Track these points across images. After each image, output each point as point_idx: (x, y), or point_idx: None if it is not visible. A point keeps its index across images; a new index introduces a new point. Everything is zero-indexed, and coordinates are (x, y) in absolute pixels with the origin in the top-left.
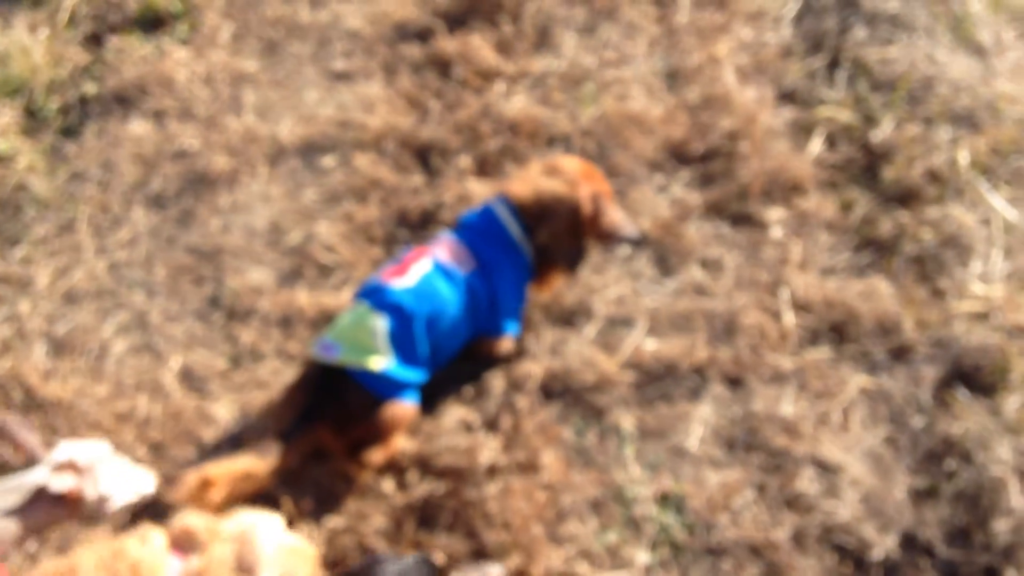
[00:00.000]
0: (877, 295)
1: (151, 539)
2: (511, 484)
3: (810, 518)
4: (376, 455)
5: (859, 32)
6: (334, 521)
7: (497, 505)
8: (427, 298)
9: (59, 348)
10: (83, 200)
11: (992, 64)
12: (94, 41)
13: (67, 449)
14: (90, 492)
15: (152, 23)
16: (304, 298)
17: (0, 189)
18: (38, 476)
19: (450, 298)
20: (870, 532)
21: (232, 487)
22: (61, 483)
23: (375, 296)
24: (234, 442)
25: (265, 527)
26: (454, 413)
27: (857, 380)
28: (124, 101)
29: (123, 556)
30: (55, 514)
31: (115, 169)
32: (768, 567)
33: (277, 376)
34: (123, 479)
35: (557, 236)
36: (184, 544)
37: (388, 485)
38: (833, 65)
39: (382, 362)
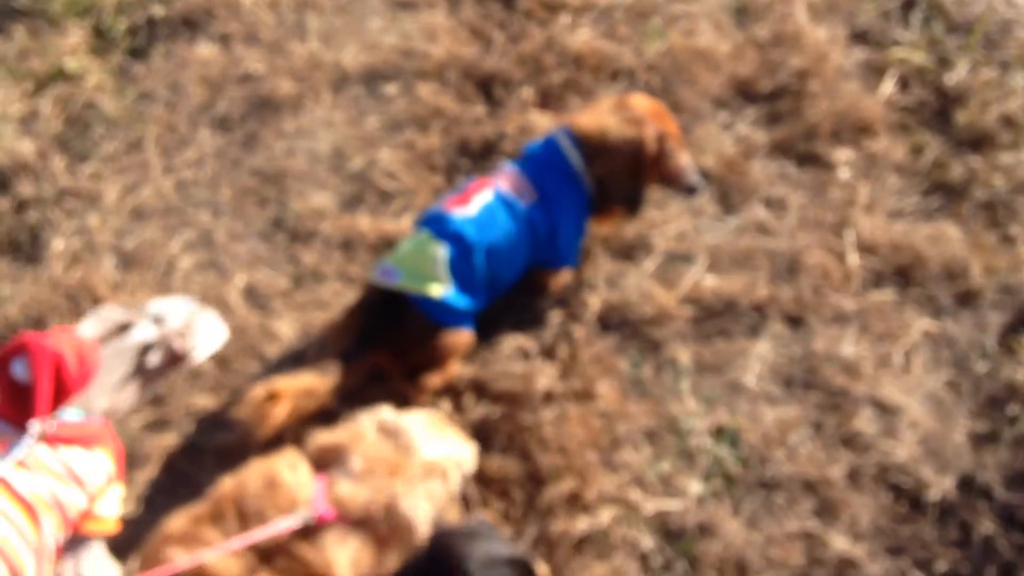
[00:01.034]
0: (945, 239)
1: (298, 464)
2: (567, 411)
3: (866, 457)
4: (433, 379)
5: None
6: None
7: (552, 430)
8: (487, 228)
9: (127, 262)
10: (151, 120)
11: None
12: None
13: (159, 305)
14: (188, 345)
15: None
16: (365, 223)
17: (70, 107)
18: (142, 335)
19: (510, 229)
20: (927, 473)
21: (295, 403)
22: (177, 341)
23: (437, 224)
24: (296, 359)
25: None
26: (511, 340)
27: (921, 324)
28: (191, 24)
29: (277, 482)
30: (164, 371)
31: (182, 90)
32: (821, 503)
33: (338, 297)
34: (208, 330)
35: (616, 174)
36: (321, 462)
37: (445, 407)
38: (908, 6)
39: (441, 289)
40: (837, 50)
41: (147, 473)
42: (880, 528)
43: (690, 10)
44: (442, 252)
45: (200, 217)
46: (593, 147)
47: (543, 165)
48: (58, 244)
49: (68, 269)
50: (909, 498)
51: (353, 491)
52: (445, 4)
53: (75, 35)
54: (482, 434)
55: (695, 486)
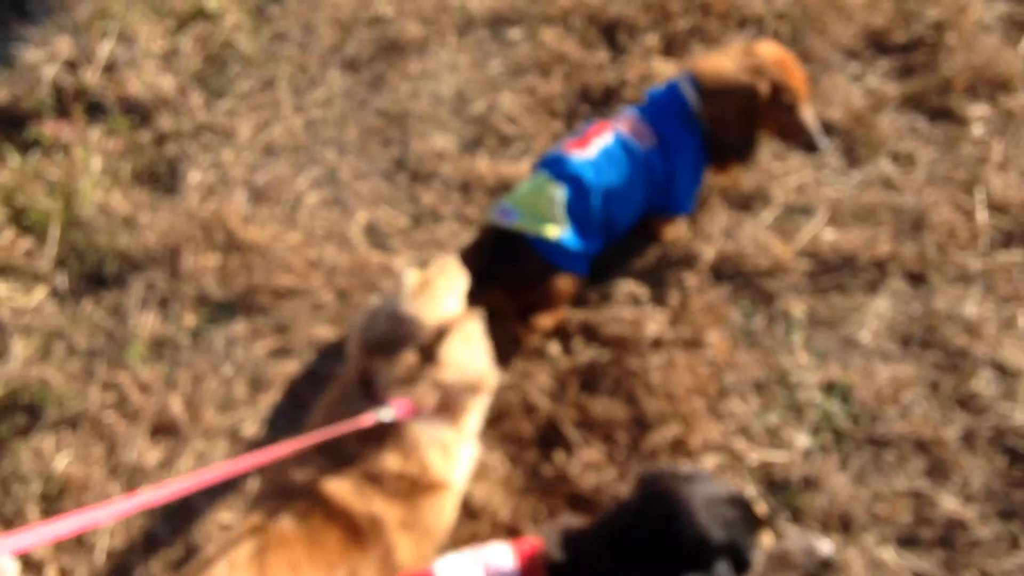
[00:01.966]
0: None
1: None
2: (675, 357)
3: (983, 419)
4: (545, 320)
5: None
6: (501, 378)
7: (660, 376)
8: (606, 171)
9: (258, 196)
10: (284, 59)
11: None
12: None
13: None
14: None
15: None
16: (484, 165)
17: (209, 45)
18: None
19: (628, 172)
20: None
21: None
22: None
23: (555, 166)
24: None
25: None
26: (623, 285)
27: None
28: None
29: None
30: None
31: (314, 31)
32: (933, 463)
33: (455, 238)
34: None
35: (728, 119)
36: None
37: (554, 348)
38: None
39: (558, 231)
40: (977, 2)
41: (270, 397)
42: (992, 491)
43: None
44: (560, 193)
45: (327, 155)
46: (708, 89)
47: (663, 109)
48: (194, 176)
49: (203, 201)
50: None
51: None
52: None
53: None
54: (589, 377)
55: (802, 439)
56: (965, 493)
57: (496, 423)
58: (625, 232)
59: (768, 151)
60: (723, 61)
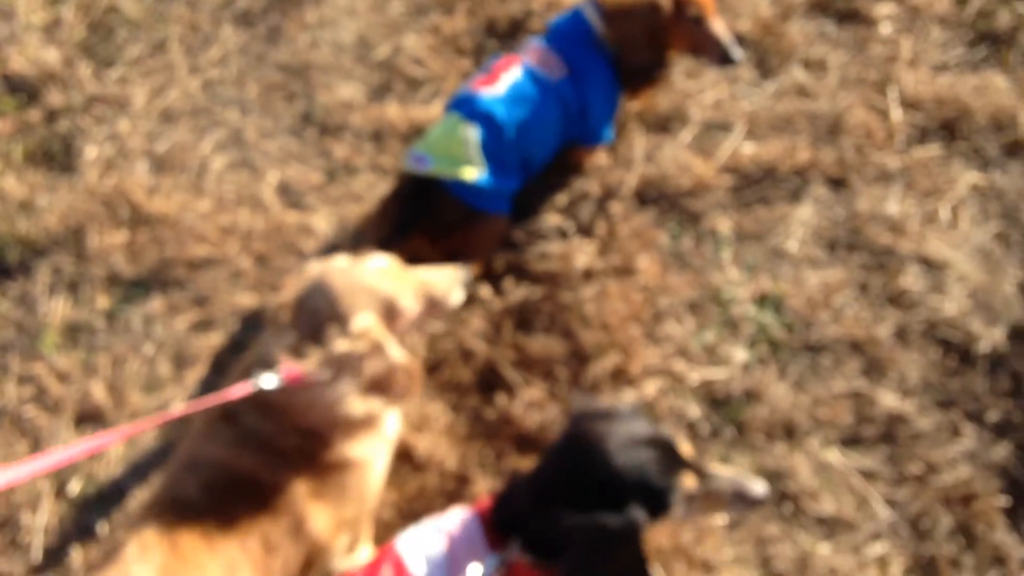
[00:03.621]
0: (992, 90)
1: None
2: (607, 287)
3: (914, 314)
4: (471, 265)
5: None
6: (434, 326)
7: (594, 307)
8: (517, 106)
9: (160, 165)
10: (173, 19)
11: None
12: None
13: None
14: None
15: None
16: (394, 112)
17: (92, 12)
18: None
19: (541, 105)
20: (977, 326)
21: None
22: None
23: (465, 106)
24: (333, 253)
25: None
26: (548, 220)
27: (968, 177)
28: None
29: None
30: None
31: None
32: (869, 362)
33: (371, 189)
34: None
35: (633, 39)
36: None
37: (485, 291)
38: None
39: (475, 173)
40: None
41: (197, 373)
42: (929, 383)
43: None
44: (473, 134)
45: (229, 116)
46: (610, 11)
47: (569, 37)
48: (91, 152)
49: (102, 176)
50: (959, 352)
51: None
52: None
53: None
54: (523, 316)
55: (740, 354)
56: (903, 388)
57: (434, 372)
58: (544, 166)
59: (681, 70)
60: None
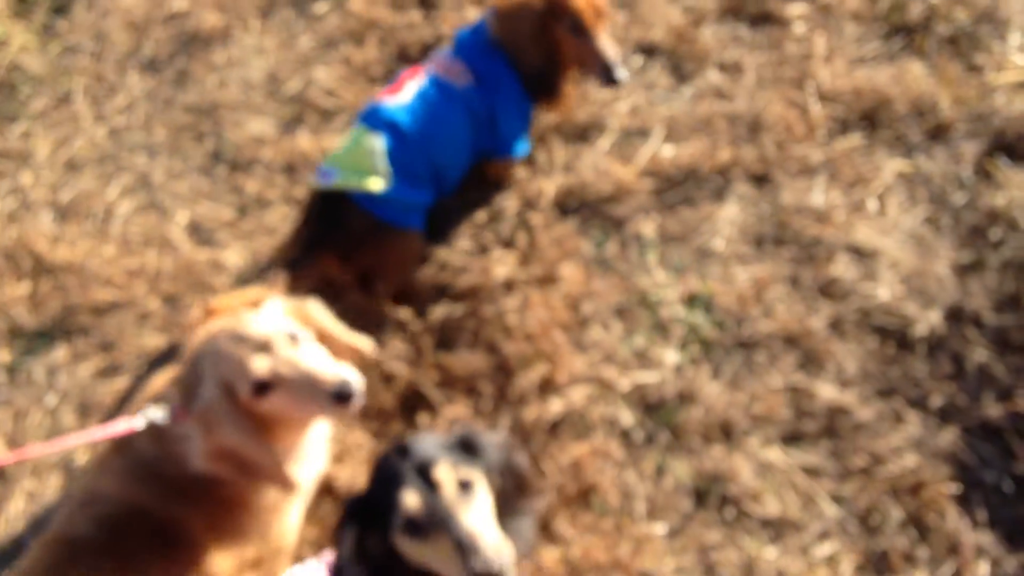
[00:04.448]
0: (910, 78)
1: None
2: (529, 297)
3: (847, 304)
4: (386, 285)
5: None
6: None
7: (516, 318)
8: (423, 113)
9: (65, 214)
10: (77, 72)
11: None
12: None
13: None
14: None
15: None
16: (306, 143)
17: None
18: None
19: (447, 113)
20: (912, 310)
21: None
22: None
23: (370, 117)
24: (247, 286)
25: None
26: (466, 236)
27: (893, 165)
28: None
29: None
30: None
31: (107, 39)
32: (804, 355)
33: (285, 221)
34: None
35: (519, 43)
36: None
37: (405, 312)
38: None
39: (381, 183)
40: None
41: (101, 420)
42: (868, 372)
43: None
44: (378, 143)
45: (136, 161)
46: (499, 14)
47: (472, 45)
48: None
49: (4, 229)
50: (896, 338)
51: None
52: None
53: None
54: (445, 334)
55: (671, 356)
56: (841, 379)
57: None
58: (458, 179)
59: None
60: None
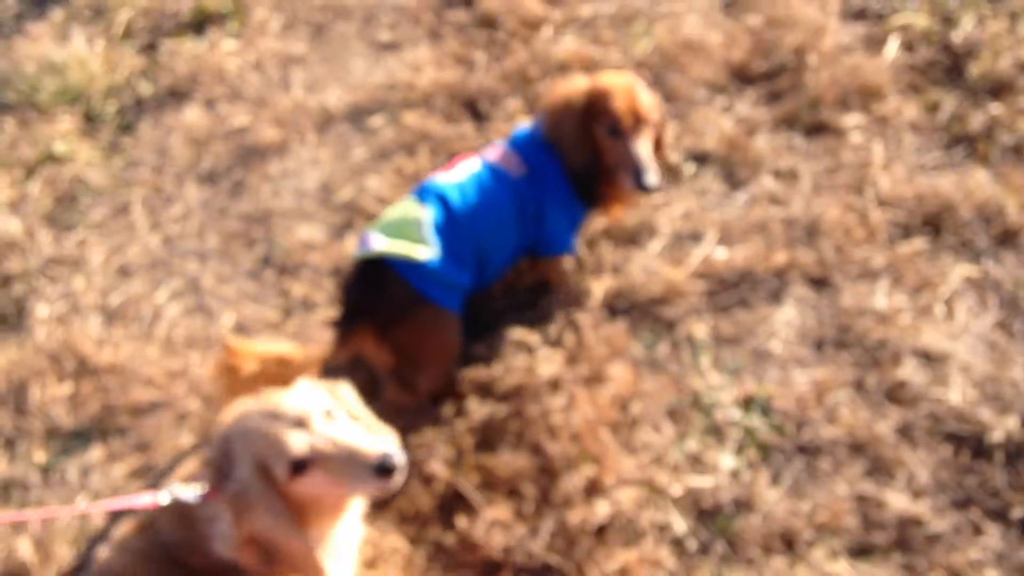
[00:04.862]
0: (973, 184)
1: None
2: (576, 395)
3: (917, 409)
4: (425, 375)
5: None
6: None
7: (562, 417)
8: (473, 193)
9: (112, 317)
10: (138, 184)
11: None
12: (149, 48)
13: None
14: None
15: (204, 24)
16: (355, 247)
17: (58, 185)
18: None
19: (497, 197)
20: (987, 416)
21: (265, 367)
22: None
23: (420, 191)
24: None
25: None
26: (512, 335)
27: (960, 270)
28: (177, 94)
29: None
30: None
31: (168, 153)
32: (872, 462)
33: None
34: None
35: (563, 137)
36: None
37: (447, 410)
38: None
39: (426, 252)
40: (834, 25)
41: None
42: (942, 482)
43: (676, 9)
44: (426, 214)
45: (187, 266)
46: (546, 108)
47: (527, 138)
48: (42, 310)
49: (52, 331)
50: (971, 445)
51: None
52: (428, 40)
53: (65, 122)
54: (488, 435)
55: (727, 460)
56: (913, 488)
57: (389, 502)
58: (501, 270)
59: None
60: (567, 86)
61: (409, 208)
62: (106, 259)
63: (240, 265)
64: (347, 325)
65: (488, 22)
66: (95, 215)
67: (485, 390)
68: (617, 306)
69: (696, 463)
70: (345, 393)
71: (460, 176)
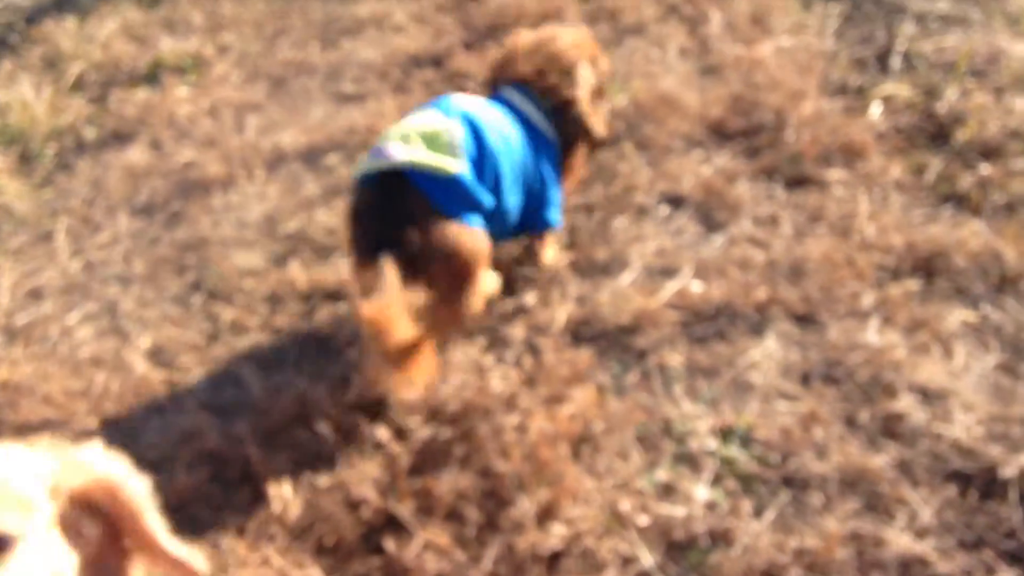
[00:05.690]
0: (967, 233)
1: None
2: (533, 412)
3: (916, 446)
4: (463, 304)
5: (908, 28)
6: (320, 480)
7: (515, 435)
8: (496, 124)
9: (14, 337)
10: (65, 213)
11: None
12: (99, 99)
13: None
14: None
15: (159, 76)
16: (297, 274)
17: None
18: None
19: (516, 133)
20: (996, 452)
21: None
22: None
23: (438, 103)
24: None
25: None
26: (462, 353)
27: (957, 315)
28: (122, 136)
29: None
30: None
31: (103, 187)
32: (868, 498)
33: (258, 349)
34: None
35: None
36: None
37: (382, 433)
38: (884, 57)
39: (457, 165)
40: (813, 90)
41: None
42: (948, 521)
43: (652, 70)
44: (454, 125)
45: (107, 290)
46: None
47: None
48: None
49: None
50: (979, 484)
51: None
52: (393, 92)
53: None
54: (429, 457)
55: (702, 492)
56: (916, 527)
57: (306, 533)
58: (508, 231)
59: (624, 217)
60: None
61: (434, 120)
62: (17, 282)
63: (166, 290)
64: (368, 256)
65: (457, 78)
66: (14, 242)
67: (430, 412)
68: (582, 334)
69: (667, 492)
70: (122, 482)
71: (481, 104)
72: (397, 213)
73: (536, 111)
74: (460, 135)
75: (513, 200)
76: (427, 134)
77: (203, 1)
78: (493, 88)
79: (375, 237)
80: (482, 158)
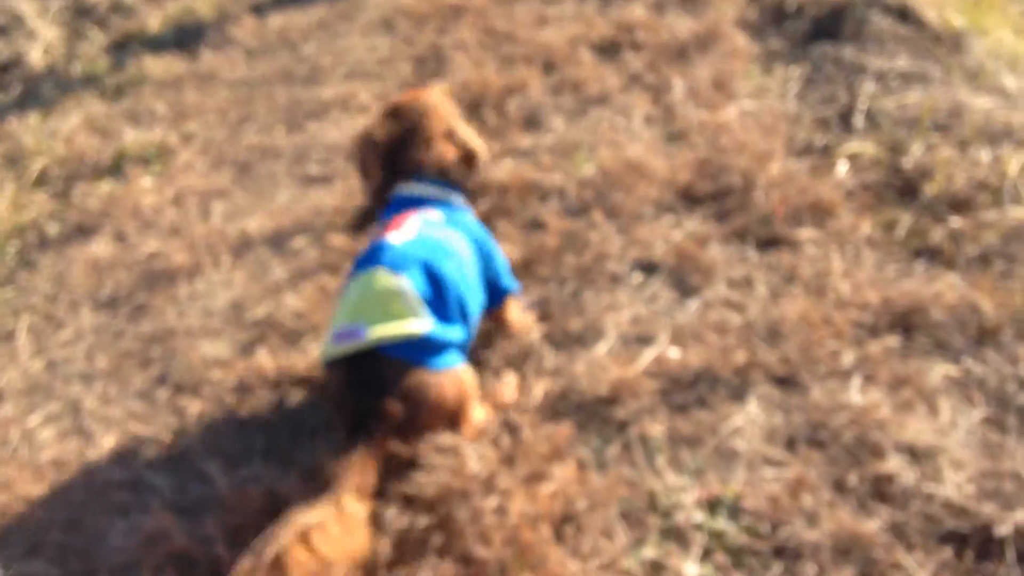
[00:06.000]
0: (943, 286)
1: None
2: (513, 493)
3: (908, 508)
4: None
5: (869, 87)
6: None
7: (495, 519)
8: (437, 246)
9: None
10: (26, 310)
11: (1019, 102)
12: (63, 194)
13: None
14: None
15: (123, 168)
16: (266, 361)
17: None
18: None
19: (459, 236)
20: (990, 510)
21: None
22: None
23: (379, 257)
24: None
25: None
26: (438, 441)
27: (939, 369)
28: (85, 230)
29: None
30: None
31: (65, 282)
32: (864, 566)
33: (225, 439)
34: None
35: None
36: None
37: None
38: (847, 116)
39: (421, 324)
40: (780, 154)
41: None
42: None
43: (618, 139)
44: (405, 282)
45: (69, 389)
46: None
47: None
48: None
49: None
50: (975, 544)
51: None
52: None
53: None
54: (406, 548)
55: (691, 568)
56: None
57: None
58: (476, 321)
59: (597, 286)
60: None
61: (378, 280)
62: None
63: (131, 385)
64: (361, 438)
65: None
66: None
67: (406, 502)
68: (560, 407)
69: (655, 570)
70: None
71: (412, 232)
72: (375, 385)
73: (442, 190)
74: (413, 289)
75: (477, 303)
76: (382, 298)
77: (167, 91)
78: (384, 196)
79: (361, 415)
80: (443, 293)
